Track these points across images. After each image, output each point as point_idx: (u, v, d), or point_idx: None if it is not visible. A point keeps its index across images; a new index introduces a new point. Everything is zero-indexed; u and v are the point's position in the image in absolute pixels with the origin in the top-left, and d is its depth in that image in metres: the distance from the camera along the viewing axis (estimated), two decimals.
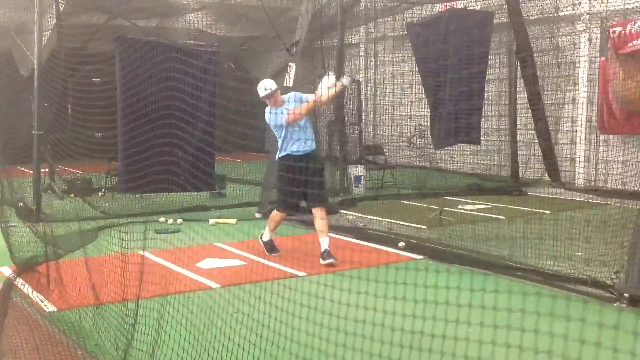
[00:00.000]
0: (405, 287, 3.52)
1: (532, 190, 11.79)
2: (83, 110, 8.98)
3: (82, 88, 9.57)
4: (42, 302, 5.96)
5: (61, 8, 11.36)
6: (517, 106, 12.87)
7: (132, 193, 10.52)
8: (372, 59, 17.75)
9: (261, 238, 7.73)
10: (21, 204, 9.64)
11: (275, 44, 13.49)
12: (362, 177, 12.67)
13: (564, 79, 12.57)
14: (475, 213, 9.74)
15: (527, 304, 3.09)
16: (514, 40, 11.72)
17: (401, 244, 7.88)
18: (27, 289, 6.34)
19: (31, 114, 9.88)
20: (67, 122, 9.68)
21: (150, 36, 11.63)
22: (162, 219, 9.78)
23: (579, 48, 12.57)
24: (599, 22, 12.25)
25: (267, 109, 7.48)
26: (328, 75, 7.48)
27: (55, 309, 5.75)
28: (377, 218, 9.40)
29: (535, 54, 11.40)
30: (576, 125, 12.60)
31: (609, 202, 8.51)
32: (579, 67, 12.54)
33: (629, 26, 11.30)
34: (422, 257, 7.32)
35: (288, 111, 7.30)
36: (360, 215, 9.88)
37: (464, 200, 10.90)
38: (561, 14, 12.55)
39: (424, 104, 12.74)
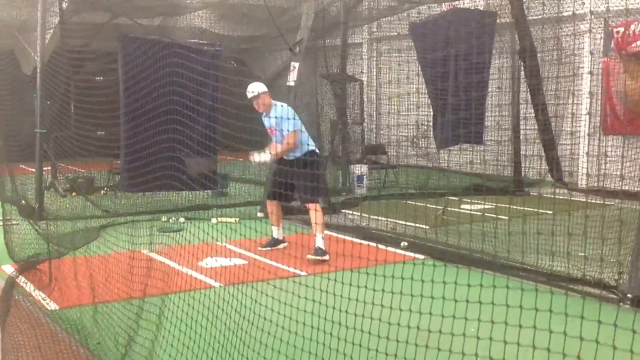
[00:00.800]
0: (402, 282, 3.52)
1: (534, 191, 11.77)
2: (85, 108, 8.96)
3: (85, 86, 9.56)
4: (44, 300, 5.95)
5: (64, 6, 11.36)
6: (520, 106, 12.86)
7: (134, 191, 10.51)
8: (375, 59, 17.73)
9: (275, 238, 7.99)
10: (23, 201, 9.64)
11: (278, 43, 13.49)
12: (364, 177, 12.66)
13: (567, 79, 12.54)
14: (478, 213, 9.72)
15: (528, 302, 3.09)
16: (517, 40, 11.69)
17: (403, 243, 7.87)
18: (29, 287, 6.35)
19: (34, 112, 9.89)
20: (69, 120, 9.67)
21: (153, 35, 11.63)
22: (164, 218, 9.78)
23: (583, 48, 12.55)
24: (602, 22, 12.22)
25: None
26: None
27: (57, 307, 5.74)
28: (380, 218, 9.39)
29: (538, 54, 11.37)
30: (579, 126, 12.58)
31: (612, 203, 8.49)
32: (582, 67, 12.51)
33: (632, 26, 11.28)
34: (424, 256, 7.31)
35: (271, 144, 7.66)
36: (362, 214, 9.86)
37: (466, 200, 10.87)
38: (564, 14, 12.52)
39: (427, 104, 12.71)
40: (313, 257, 7.19)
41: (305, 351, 3.96)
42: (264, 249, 7.80)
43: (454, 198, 11.13)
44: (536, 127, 11.65)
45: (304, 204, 7.97)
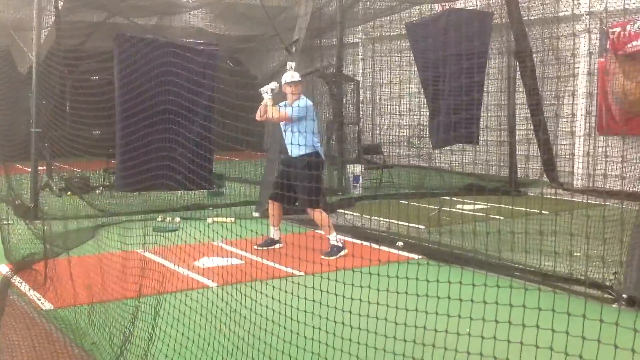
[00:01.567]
0: (398, 281, 3.52)
1: (530, 191, 11.78)
2: (81, 107, 8.96)
3: (81, 85, 9.56)
4: (39, 300, 5.94)
5: (60, 5, 11.34)
6: (516, 106, 12.87)
7: (129, 191, 10.48)
8: (371, 59, 17.73)
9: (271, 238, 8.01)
10: (18, 201, 9.62)
11: (275, 42, 13.49)
12: (360, 177, 12.66)
13: (563, 79, 12.57)
14: (474, 213, 9.72)
15: (527, 301, 3.11)
16: (514, 40, 11.71)
17: (399, 243, 7.87)
18: (24, 287, 6.33)
19: (29, 111, 9.87)
20: (65, 119, 9.65)
21: (149, 34, 11.61)
22: (159, 217, 9.77)
23: (578, 49, 12.57)
24: (598, 22, 12.24)
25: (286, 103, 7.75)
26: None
27: (52, 307, 5.73)
28: (375, 218, 9.39)
29: (534, 54, 11.39)
30: (575, 126, 12.60)
31: (607, 203, 8.50)
32: (578, 67, 12.53)
33: (628, 27, 11.30)
34: (420, 256, 7.31)
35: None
36: (358, 214, 9.86)
37: (462, 200, 10.88)
38: (561, 14, 12.54)
39: (423, 104, 12.72)
40: (327, 257, 7.18)
41: (301, 348, 3.96)
42: (260, 248, 7.80)
43: (449, 198, 11.13)
44: (532, 127, 11.68)
45: (305, 209, 8.09)
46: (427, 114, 12.27)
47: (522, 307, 3.04)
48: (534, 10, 12.03)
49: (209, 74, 8.37)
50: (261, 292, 4.42)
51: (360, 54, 17.78)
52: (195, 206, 10.47)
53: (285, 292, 4.26)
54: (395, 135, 14.94)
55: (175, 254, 6.27)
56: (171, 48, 7.94)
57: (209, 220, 9.42)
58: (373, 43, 17.59)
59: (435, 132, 11.98)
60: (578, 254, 6.34)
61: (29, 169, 9.75)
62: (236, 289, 4.62)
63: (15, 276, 6.59)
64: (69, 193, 11.22)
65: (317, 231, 8.26)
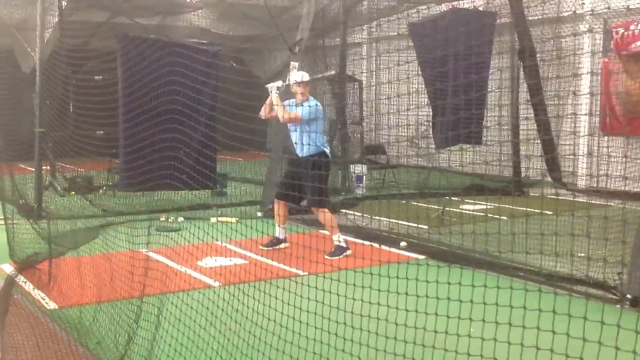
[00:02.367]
0: (399, 282, 3.52)
1: (533, 191, 11.76)
2: (84, 107, 8.95)
3: (84, 85, 9.55)
4: (43, 299, 5.95)
5: (63, 5, 11.35)
6: (520, 107, 12.85)
7: (133, 191, 10.49)
8: (375, 59, 17.71)
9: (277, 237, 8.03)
10: (22, 201, 9.63)
11: (278, 42, 13.48)
12: (363, 177, 12.66)
13: (566, 79, 12.54)
14: (477, 213, 9.72)
15: (528, 302, 3.10)
16: (517, 40, 11.68)
17: (402, 243, 7.87)
18: (28, 287, 6.34)
19: (33, 111, 9.88)
20: (68, 119, 9.66)
21: (152, 34, 11.62)
22: (163, 217, 9.77)
23: (582, 49, 12.54)
24: (602, 22, 12.22)
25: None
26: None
27: (56, 307, 5.74)
28: (379, 218, 9.39)
29: (537, 54, 11.36)
30: (578, 127, 12.58)
31: (611, 203, 8.49)
32: (582, 67, 12.51)
33: (632, 27, 11.28)
34: (423, 256, 7.31)
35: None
36: (361, 214, 9.85)
37: (465, 200, 10.87)
38: (564, 14, 12.52)
39: (426, 104, 12.71)
40: (330, 257, 7.17)
41: (302, 349, 3.96)
42: (265, 248, 7.81)
43: (453, 198, 11.12)
44: (536, 127, 11.64)
45: (311, 208, 8.09)
46: (431, 113, 12.26)
47: (522, 308, 3.03)
48: (538, 10, 12.00)
49: (212, 73, 8.37)
50: (264, 292, 4.42)
51: (363, 53, 17.77)
52: (200, 206, 10.48)
53: (289, 292, 4.26)
54: (398, 135, 14.92)
55: (178, 253, 6.28)
56: (174, 48, 7.95)
57: (213, 220, 9.42)
58: (377, 43, 17.57)
59: (439, 132, 11.96)
60: (582, 254, 6.33)
61: (33, 169, 9.76)
62: (239, 289, 4.62)
63: (19, 275, 6.61)
64: (72, 193, 11.23)
65: (321, 231, 8.26)
